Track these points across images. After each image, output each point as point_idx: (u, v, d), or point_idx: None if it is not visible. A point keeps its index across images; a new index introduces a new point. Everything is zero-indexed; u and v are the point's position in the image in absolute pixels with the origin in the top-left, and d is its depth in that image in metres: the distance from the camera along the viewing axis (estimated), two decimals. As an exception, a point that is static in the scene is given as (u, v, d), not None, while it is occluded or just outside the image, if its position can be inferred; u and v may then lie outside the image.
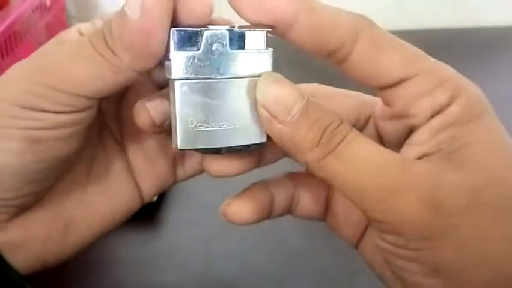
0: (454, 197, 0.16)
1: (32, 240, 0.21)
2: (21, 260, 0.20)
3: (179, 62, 0.18)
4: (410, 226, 0.16)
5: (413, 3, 0.64)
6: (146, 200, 0.24)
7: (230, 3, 0.17)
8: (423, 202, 0.16)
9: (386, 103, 0.19)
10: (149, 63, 0.17)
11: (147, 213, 0.36)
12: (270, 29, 0.18)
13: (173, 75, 0.18)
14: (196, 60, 0.18)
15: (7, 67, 0.44)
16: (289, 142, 0.17)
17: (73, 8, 0.61)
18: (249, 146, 0.19)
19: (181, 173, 0.24)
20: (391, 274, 0.20)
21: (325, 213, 0.23)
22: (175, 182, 0.25)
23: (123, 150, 0.23)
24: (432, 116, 0.18)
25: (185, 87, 0.18)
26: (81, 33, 0.21)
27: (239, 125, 0.19)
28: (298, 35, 0.17)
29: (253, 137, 0.19)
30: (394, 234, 0.17)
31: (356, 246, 0.23)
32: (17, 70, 0.19)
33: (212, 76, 0.18)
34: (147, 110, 0.20)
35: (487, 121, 0.18)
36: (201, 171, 0.24)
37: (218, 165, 0.20)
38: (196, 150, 0.19)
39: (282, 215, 0.22)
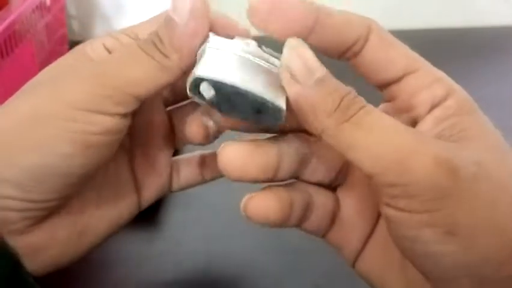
0: (464, 166, 0.17)
1: (53, 244, 0.21)
2: (39, 263, 0.21)
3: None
4: (426, 186, 0.16)
5: (414, 3, 0.64)
6: (143, 208, 0.25)
7: (253, 23, 0.19)
8: (439, 164, 0.16)
9: (389, 99, 0.21)
10: (192, 60, 0.19)
11: (148, 213, 0.36)
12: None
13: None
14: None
15: (7, 67, 0.44)
16: (307, 106, 0.18)
17: (73, 8, 0.61)
18: (267, 102, 0.18)
19: (175, 184, 0.26)
20: (391, 282, 0.21)
21: (330, 226, 0.22)
22: (169, 192, 0.26)
23: (130, 161, 0.25)
24: (432, 108, 0.20)
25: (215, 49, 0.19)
26: (106, 47, 0.22)
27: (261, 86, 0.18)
28: (319, 37, 0.19)
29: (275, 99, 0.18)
30: (408, 197, 0.17)
31: (354, 262, 0.22)
32: (71, 75, 0.20)
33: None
34: (203, 124, 0.22)
35: (479, 115, 0.19)
36: (194, 184, 0.26)
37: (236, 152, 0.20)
38: (211, 82, 0.18)
39: (295, 225, 0.22)
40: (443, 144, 0.18)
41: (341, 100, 0.17)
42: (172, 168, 0.26)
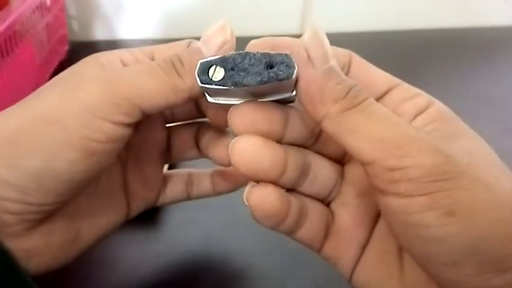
0: (458, 155, 0.18)
1: (47, 248, 0.22)
2: (32, 267, 0.21)
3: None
4: (425, 168, 0.17)
5: (414, 4, 0.64)
6: (128, 218, 0.26)
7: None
8: (436, 151, 0.17)
9: None
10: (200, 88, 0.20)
11: (147, 213, 0.36)
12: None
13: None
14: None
15: (7, 66, 0.44)
16: (316, 89, 0.18)
17: (73, 8, 0.61)
18: (276, 53, 0.18)
19: (161, 199, 0.27)
20: (392, 287, 0.21)
21: (324, 239, 0.22)
22: (154, 205, 0.27)
23: (124, 173, 0.25)
24: (416, 116, 0.20)
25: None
26: (123, 62, 0.22)
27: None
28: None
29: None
30: (408, 180, 0.17)
31: (351, 275, 0.22)
32: (87, 79, 0.20)
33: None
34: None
35: (460, 121, 0.20)
36: (178, 200, 0.28)
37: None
38: (217, 61, 0.19)
39: (291, 229, 0.21)
40: (437, 139, 0.18)
41: (349, 90, 0.18)
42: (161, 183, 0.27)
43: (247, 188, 0.20)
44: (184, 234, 0.35)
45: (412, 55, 0.58)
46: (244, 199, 0.20)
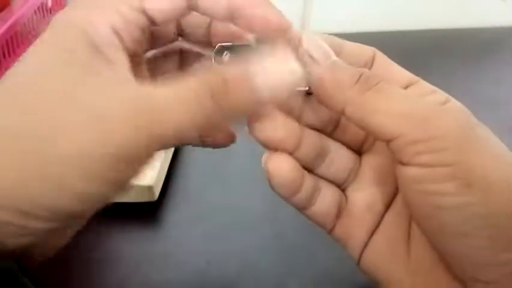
0: (478, 131, 0.19)
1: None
2: (34, 256, 0.21)
3: None
4: (450, 139, 0.18)
5: (414, 4, 0.64)
6: None
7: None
8: (460, 125, 0.18)
9: None
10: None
11: (148, 212, 0.36)
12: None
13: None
14: None
15: (9, 67, 0.44)
16: (330, 82, 0.20)
17: (74, 9, 0.61)
18: None
19: None
20: (397, 273, 0.22)
21: (336, 219, 0.23)
22: None
23: None
24: None
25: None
26: (116, 30, 0.19)
27: None
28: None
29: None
30: (432, 152, 0.18)
31: (360, 258, 0.23)
32: (116, 118, 0.17)
33: None
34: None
35: (475, 119, 0.21)
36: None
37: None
38: (230, 47, 0.21)
39: (304, 203, 0.22)
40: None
41: (360, 75, 0.19)
42: None
43: (265, 154, 0.21)
44: (184, 233, 0.35)
45: (412, 56, 0.58)
46: (263, 164, 0.21)
